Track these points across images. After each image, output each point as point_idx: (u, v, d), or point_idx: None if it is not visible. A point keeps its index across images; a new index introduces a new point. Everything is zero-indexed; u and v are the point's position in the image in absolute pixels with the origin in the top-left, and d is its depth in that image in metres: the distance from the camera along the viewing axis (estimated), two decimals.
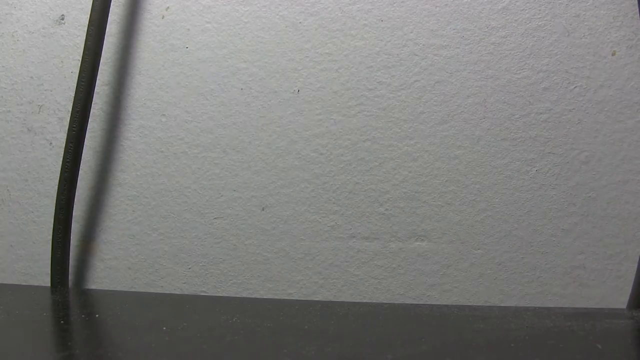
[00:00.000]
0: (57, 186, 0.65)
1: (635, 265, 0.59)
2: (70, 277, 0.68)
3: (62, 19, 0.71)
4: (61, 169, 0.65)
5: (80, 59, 0.66)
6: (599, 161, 0.61)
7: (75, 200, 0.66)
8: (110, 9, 0.67)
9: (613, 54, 0.61)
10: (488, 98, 0.63)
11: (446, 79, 0.63)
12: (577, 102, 0.61)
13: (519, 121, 0.62)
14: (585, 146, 0.61)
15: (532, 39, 0.62)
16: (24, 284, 0.70)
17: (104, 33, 0.66)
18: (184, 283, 0.67)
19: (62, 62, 0.70)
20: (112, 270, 0.69)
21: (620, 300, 0.60)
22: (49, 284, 0.66)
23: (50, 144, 0.70)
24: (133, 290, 0.68)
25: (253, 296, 0.66)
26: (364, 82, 0.65)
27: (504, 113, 0.62)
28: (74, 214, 0.66)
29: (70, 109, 0.66)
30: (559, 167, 0.61)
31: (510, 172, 0.62)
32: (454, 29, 0.64)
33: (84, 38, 0.66)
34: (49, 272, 0.66)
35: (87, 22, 0.66)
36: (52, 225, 0.65)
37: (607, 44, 0.61)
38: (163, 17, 0.69)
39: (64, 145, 0.65)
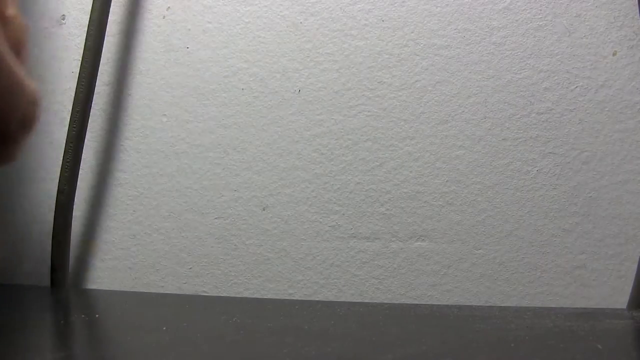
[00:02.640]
0: (57, 186, 0.65)
1: (635, 265, 0.59)
2: (71, 277, 0.68)
3: (63, 19, 0.71)
4: (61, 169, 0.65)
5: (81, 59, 0.66)
6: (600, 161, 0.61)
7: (75, 200, 0.66)
8: (111, 9, 0.67)
9: (614, 54, 0.61)
10: (489, 98, 0.63)
11: (447, 79, 0.63)
12: (577, 102, 0.61)
13: (520, 121, 0.62)
14: (586, 146, 0.61)
15: (533, 39, 0.62)
16: (24, 283, 0.70)
17: (105, 33, 0.66)
18: (185, 283, 0.67)
19: (62, 62, 0.70)
20: (112, 270, 0.69)
21: (621, 300, 0.60)
22: (49, 284, 0.66)
23: (51, 143, 0.70)
24: (133, 290, 0.68)
25: (254, 296, 0.66)
26: (365, 82, 0.65)
27: (505, 113, 0.62)
28: (74, 214, 0.66)
29: (70, 109, 0.66)
30: (560, 167, 0.61)
31: (511, 172, 0.62)
32: (455, 29, 0.64)
33: (85, 38, 0.66)
34: (49, 272, 0.66)
35: (87, 22, 0.66)
36: (52, 225, 0.65)
37: (608, 44, 0.61)
38: (164, 17, 0.69)
39: (64, 145, 0.65)
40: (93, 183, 0.69)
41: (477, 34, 0.63)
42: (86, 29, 0.66)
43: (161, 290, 0.68)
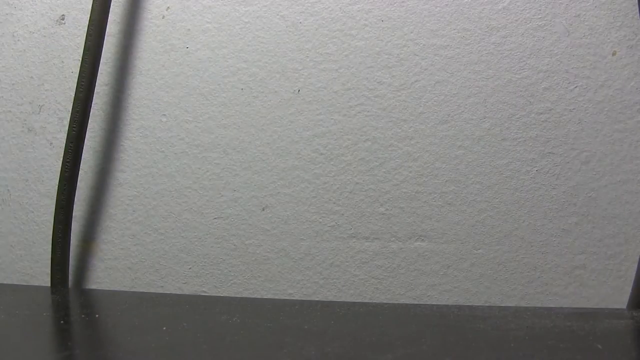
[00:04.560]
0: (57, 186, 0.65)
1: (635, 265, 0.59)
2: (70, 277, 0.68)
3: (63, 19, 0.71)
4: (61, 169, 0.65)
5: (81, 59, 0.66)
6: (599, 161, 0.61)
7: (75, 200, 0.66)
8: (111, 9, 0.67)
9: (613, 54, 0.61)
10: (488, 98, 0.63)
11: (447, 79, 0.63)
12: (577, 102, 0.61)
13: (519, 121, 0.62)
14: (586, 146, 0.61)
15: (532, 39, 0.62)
16: (24, 284, 0.70)
17: (104, 33, 0.66)
18: (184, 283, 0.67)
19: (62, 62, 0.70)
20: (112, 270, 0.69)
21: (621, 300, 0.60)
22: (49, 284, 0.66)
23: (51, 144, 0.70)
24: (133, 290, 0.68)
25: (253, 296, 0.66)
26: (365, 82, 0.65)
27: (504, 113, 0.62)
28: (74, 214, 0.66)
29: (70, 109, 0.66)
30: (559, 167, 0.61)
31: (511, 172, 0.62)
32: (454, 29, 0.64)
33: (84, 38, 0.66)
34: (49, 272, 0.66)
35: (87, 22, 0.66)
36: (52, 225, 0.65)
37: (608, 44, 0.61)
38: (163, 17, 0.69)
39: (64, 145, 0.65)
40: (93, 183, 0.69)
41: (476, 34, 0.63)
42: (86, 29, 0.66)
43: (161, 290, 0.68)
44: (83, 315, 0.57)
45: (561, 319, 0.52)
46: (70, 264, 0.67)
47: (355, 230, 0.64)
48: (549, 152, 0.62)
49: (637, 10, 0.60)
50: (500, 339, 0.46)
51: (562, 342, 0.45)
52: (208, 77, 0.68)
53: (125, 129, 0.69)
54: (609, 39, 0.61)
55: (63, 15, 0.71)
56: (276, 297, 0.66)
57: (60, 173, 0.65)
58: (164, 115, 0.68)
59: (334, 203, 0.65)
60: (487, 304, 0.62)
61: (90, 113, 0.67)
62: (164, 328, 0.49)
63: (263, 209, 0.66)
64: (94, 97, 0.67)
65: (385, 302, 0.64)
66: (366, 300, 0.64)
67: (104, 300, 0.64)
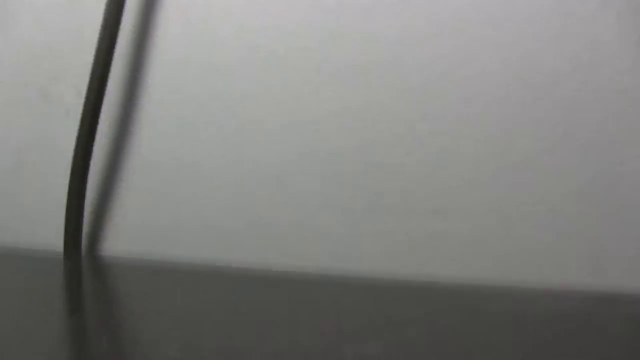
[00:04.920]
0: (72, 152, 0.65)
1: None
2: (84, 243, 0.68)
3: None
4: (77, 135, 0.65)
5: (100, 30, 0.65)
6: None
7: (90, 166, 0.66)
8: None
9: None
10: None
11: (472, 57, 0.62)
12: None
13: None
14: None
15: None
16: (37, 249, 0.70)
17: (124, 4, 0.66)
18: (201, 253, 0.67)
19: (81, 33, 0.70)
20: (126, 237, 0.69)
21: None
22: (62, 250, 0.66)
23: (67, 113, 0.70)
24: (147, 258, 0.68)
25: (271, 269, 0.66)
26: (389, 60, 0.64)
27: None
28: (88, 180, 0.66)
29: (87, 80, 0.66)
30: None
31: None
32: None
33: (104, 9, 0.65)
34: (63, 238, 0.66)
35: None
36: (66, 192, 0.65)
37: None
38: None
39: (80, 113, 0.65)
40: (109, 149, 0.69)
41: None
42: (104, 3, 0.65)
43: (177, 259, 0.68)
44: (97, 282, 0.57)
45: (581, 301, 0.52)
46: (83, 231, 0.67)
47: (373, 206, 0.64)
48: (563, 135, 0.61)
49: None
50: (517, 320, 0.46)
51: (581, 325, 0.45)
52: (228, 53, 0.67)
53: (143, 100, 0.69)
54: None
55: None
56: (293, 271, 0.65)
57: (77, 138, 0.65)
58: (182, 89, 0.68)
59: (354, 178, 0.64)
60: (505, 284, 0.61)
61: (107, 85, 0.66)
62: (179, 297, 0.49)
63: (281, 183, 0.66)
64: (111, 69, 0.66)
65: (401, 279, 0.63)
66: (383, 277, 0.64)
67: (117, 267, 0.64)
